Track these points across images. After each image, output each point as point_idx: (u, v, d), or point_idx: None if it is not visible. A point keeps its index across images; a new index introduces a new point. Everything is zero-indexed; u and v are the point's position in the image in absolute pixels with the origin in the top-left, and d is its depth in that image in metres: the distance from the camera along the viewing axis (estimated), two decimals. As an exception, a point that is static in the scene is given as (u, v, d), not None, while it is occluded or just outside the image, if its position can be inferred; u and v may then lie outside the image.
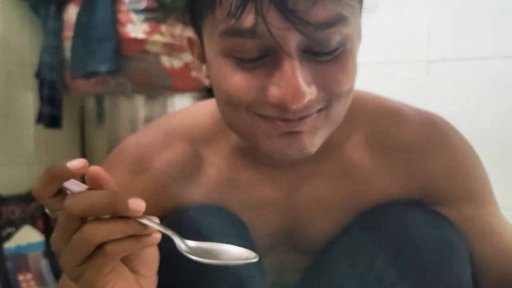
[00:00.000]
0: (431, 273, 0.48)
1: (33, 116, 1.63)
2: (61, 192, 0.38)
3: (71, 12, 1.36)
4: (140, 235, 0.38)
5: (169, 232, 0.40)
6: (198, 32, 0.46)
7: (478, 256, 0.54)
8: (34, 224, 1.57)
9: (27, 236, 1.48)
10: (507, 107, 1.00)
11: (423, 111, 0.56)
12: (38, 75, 1.52)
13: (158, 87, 1.30)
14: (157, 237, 0.39)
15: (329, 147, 0.52)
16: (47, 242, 1.54)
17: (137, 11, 1.26)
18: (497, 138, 1.02)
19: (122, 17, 1.26)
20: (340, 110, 0.46)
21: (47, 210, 0.41)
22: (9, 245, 1.43)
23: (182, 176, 0.55)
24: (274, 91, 0.41)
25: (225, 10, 0.39)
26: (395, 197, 0.53)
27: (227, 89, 0.43)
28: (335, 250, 0.53)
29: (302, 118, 0.43)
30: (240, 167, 0.53)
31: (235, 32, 0.39)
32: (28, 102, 1.65)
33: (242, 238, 0.52)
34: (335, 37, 0.41)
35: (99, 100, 1.62)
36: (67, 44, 1.37)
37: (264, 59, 0.42)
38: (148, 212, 0.54)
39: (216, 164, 0.55)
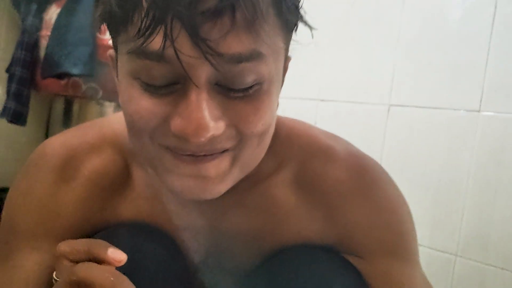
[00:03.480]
0: None
1: (-2, 111, 1.60)
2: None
3: (52, 12, 1.37)
4: None
5: None
6: (115, 48, 0.43)
7: None
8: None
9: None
10: (454, 154, 1.06)
11: (356, 154, 0.53)
12: (8, 70, 1.51)
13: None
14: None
15: (255, 180, 0.50)
16: None
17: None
18: (444, 181, 1.08)
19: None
20: (251, 153, 0.43)
21: (54, 276, 0.41)
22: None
23: (111, 188, 0.52)
24: (177, 121, 0.38)
25: (135, 28, 0.37)
26: (311, 240, 0.51)
27: (131, 113, 0.41)
28: (251, 282, 0.52)
29: (207, 156, 0.41)
30: (166, 189, 0.50)
31: (142, 53, 0.37)
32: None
33: (175, 261, 0.51)
34: (249, 74, 0.39)
35: (68, 103, 1.61)
36: (43, 43, 1.37)
37: (173, 86, 0.39)
38: (76, 226, 0.50)
39: (144, 181, 0.52)
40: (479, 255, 1.04)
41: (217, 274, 0.55)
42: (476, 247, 1.05)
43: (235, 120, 0.40)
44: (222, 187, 0.43)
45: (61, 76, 1.30)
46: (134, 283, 0.42)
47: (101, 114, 1.46)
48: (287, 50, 0.44)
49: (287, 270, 0.50)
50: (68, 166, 0.51)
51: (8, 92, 1.43)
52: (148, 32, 0.36)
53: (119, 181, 0.52)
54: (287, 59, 0.46)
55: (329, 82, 1.29)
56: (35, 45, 1.39)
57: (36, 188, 0.51)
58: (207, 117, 0.38)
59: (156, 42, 0.36)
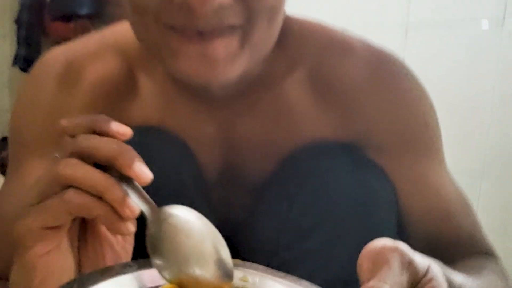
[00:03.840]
0: (346, 224, 0.46)
1: (9, 62, 1.60)
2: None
3: (55, -46, 1.34)
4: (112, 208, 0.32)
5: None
6: None
7: (406, 211, 0.50)
8: (4, 173, 1.55)
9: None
10: (476, 68, 1.02)
11: (374, 47, 0.50)
12: (17, 20, 1.50)
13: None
14: (130, 229, 0.33)
15: (267, 82, 0.48)
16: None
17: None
18: (467, 98, 1.05)
19: (106, -39, 1.25)
20: (262, 33, 0.40)
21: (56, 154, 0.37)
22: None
23: (117, 94, 0.50)
24: None
25: None
26: (328, 139, 0.49)
27: None
28: (267, 191, 0.50)
29: (215, 35, 0.38)
30: (176, 95, 0.49)
31: None
32: (6, 48, 1.62)
33: (190, 167, 0.49)
34: None
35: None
36: (48, -14, 1.35)
37: None
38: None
39: (151, 87, 0.50)
40: (505, 173, 1.02)
41: (233, 184, 0.53)
42: (502, 166, 1.02)
43: None
44: (232, 70, 0.41)
45: (69, 18, 1.28)
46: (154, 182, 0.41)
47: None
48: None
49: (305, 170, 0.48)
50: (70, 72, 0.49)
51: (18, 40, 1.42)
52: None
53: (125, 87, 0.50)
54: None
55: (338, 9, 1.24)
56: (41, -12, 1.37)
57: (40, 96, 0.50)
58: None
59: None
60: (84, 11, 1.24)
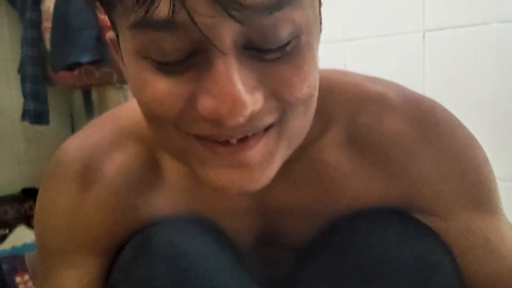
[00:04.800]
0: None
1: (19, 113, 1.59)
2: None
3: (49, 2, 1.31)
4: None
5: None
6: (114, 26, 0.36)
7: (469, 277, 0.45)
8: (28, 224, 1.54)
9: (22, 237, 1.44)
10: (509, 72, 0.96)
11: (413, 97, 0.46)
12: (20, 70, 1.47)
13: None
14: None
15: (301, 147, 0.43)
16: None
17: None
18: (501, 104, 0.98)
19: (101, 3, 1.21)
20: (299, 123, 0.36)
21: None
22: (4, 247, 1.40)
23: (141, 184, 0.47)
24: (206, 101, 0.31)
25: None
26: (374, 203, 0.45)
27: (147, 100, 0.33)
28: (314, 257, 0.47)
29: (249, 141, 0.34)
30: None
31: (147, 25, 0.30)
32: (13, 99, 1.61)
33: (226, 250, 0.46)
34: (284, 27, 0.31)
35: (86, 93, 1.57)
36: (47, 36, 1.31)
37: (193, 59, 0.32)
38: (109, 234, 0.46)
39: (176, 169, 0.47)
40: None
41: (271, 253, 0.51)
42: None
43: (275, 87, 0.33)
44: (270, 172, 0.36)
45: (72, 67, 1.25)
46: (187, 282, 0.40)
47: (121, 97, 1.41)
48: None
49: (353, 240, 0.44)
50: (87, 171, 0.46)
51: (24, 93, 1.40)
52: None
53: (148, 174, 0.47)
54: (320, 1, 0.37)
55: (354, 17, 1.18)
56: (40, 39, 1.33)
57: (59, 202, 0.47)
58: (242, 90, 0.31)
59: (162, 7, 0.28)
60: (85, 58, 1.20)
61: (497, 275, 0.45)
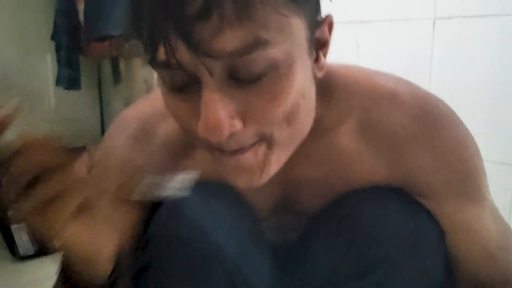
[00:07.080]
0: (399, 268, 0.48)
1: (52, 76, 1.68)
2: None
3: (84, -25, 1.38)
4: None
5: None
6: None
7: (453, 254, 0.53)
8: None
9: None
10: (510, 63, 1.01)
11: (420, 95, 0.52)
12: (54, 37, 1.56)
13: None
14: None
15: (321, 131, 0.51)
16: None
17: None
18: (500, 93, 1.04)
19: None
20: (287, 133, 0.42)
21: None
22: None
23: (182, 151, 0.55)
24: (199, 123, 0.39)
25: (143, 43, 0.38)
26: (378, 182, 0.52)
27: (169, 112, 0.43)
28: (324, 227, 0.54)
29: (239, 152, 0.42)
30: None
31: (154, 64, 0.38)
32: (47, 63, 1.70)
33: (245, 217, 0.54)
34: (257, 64, 0.37)
35: (115, 63, 1.65)
36: (81, 8, 1.39)
37: (193, 86, 0.39)
38: None
39: None
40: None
41: (286, 218, 0.58)
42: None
43: (252, 115, 0.40)
44: (269, 171, 0.44)
45: (103, 38, 1.33)
46: (208, 244, 0.47)
47: (147, 69, 1.49)
48: (315, 11, 0.42)
49: (359, 210, 0.51)
50: (143, 131, 0.55)
51: (58, 61, 1.49)
52: (152, 48, 0.37)
53: (186, 145, 0.55)
54: (325, 20, 0.44)
55: (368, 1, 1.23)
56: (74, 11, 1.41)
57: (114, 153, 0.55)
58: (222, 116, 0.38)
59: (162, 53, 0.37)
60: (116, 32, 1.28)
61: (475, 254, 0.53)
